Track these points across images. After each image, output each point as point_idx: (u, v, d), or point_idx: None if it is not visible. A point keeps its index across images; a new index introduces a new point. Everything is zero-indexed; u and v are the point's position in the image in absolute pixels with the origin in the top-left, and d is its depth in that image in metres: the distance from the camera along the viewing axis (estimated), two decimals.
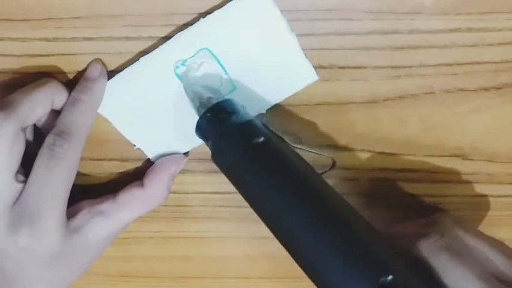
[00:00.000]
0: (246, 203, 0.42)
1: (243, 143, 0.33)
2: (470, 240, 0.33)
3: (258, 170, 0.33)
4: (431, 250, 0.32)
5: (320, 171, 0.35)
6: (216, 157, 0.35)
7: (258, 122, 0.35)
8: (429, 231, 0.34)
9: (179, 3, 0.35)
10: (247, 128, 0.34)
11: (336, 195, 0.33)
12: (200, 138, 0.36)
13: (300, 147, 0.35)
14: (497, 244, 0.34)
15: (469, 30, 0.35)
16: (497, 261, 0.32)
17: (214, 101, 0.35)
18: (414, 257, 0.32)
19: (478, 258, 0.33)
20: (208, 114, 0.35)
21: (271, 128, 0.35)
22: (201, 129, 0.36)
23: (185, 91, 0.37)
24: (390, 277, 0.29)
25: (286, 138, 0.35)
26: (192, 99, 0.36)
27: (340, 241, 0.30)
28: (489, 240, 0.34)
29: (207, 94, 0.36)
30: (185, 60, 0.36)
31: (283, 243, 0.32)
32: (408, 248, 0.33)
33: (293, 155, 0.34)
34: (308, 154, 0.35)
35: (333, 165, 0.37)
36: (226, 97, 0.36)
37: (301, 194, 0.32)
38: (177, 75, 0.36)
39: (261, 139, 0.33)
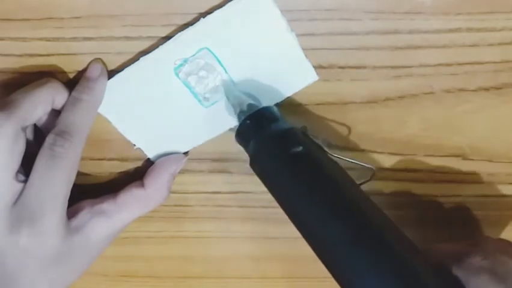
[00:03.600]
0: (247, 203, 0.42)
1: (281, 151, 0.33)
2: None
3: (295, 180, 0.33)
4: (473, 269, 0.31)
5: (360, 181, 0.35)
6: (254, 163, 0.35)
7: (298, 131, 0.35)
8: (472, 251, 0.33)
9: (179, 3, 0.35)
10: (286, 136, 0.34)
11: (375, 209, 0.32)
12: (239, 143, 0.36)
13: (340, 156, 0.35)
14: None
15: (469, 30, 0.35)
16: None
17: (255, 108, 0.35)
18: (455, 276, 0.31)
19: None
20: (248, 121, 0.35)
21: (311, 137, 0.35)
22: (241, 135, 0.36)
23: (227, 97, 0.37)
24: None
25: (325, 148, 0.35)
26: (233, 105, 0.36)
27: (375, 259, 0.30)
28: None
29: (248, 101, 0.36)
30: (185, 60, 0.36)
31: (318, 255, 0.32)
32: (449, 266, 0.32)
33: (332, 166, 0.34)
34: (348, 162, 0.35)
35: (373, 175, 0.36)
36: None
37: (337, 207, 0.31)
38: (177, 75, 0.36)
39: (300, 148, 0.33)
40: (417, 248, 0.31)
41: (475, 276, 0.31)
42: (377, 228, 0.31)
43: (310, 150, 0.33)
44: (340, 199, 0.32)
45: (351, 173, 0.34)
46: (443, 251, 0.34)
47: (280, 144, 0.34)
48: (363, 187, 0.34)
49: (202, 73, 0.36)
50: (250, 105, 0.36)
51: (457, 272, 0.31)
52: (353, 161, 0.36)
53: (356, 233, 0.31)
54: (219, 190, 0.42)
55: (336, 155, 0.35)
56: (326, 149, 0.35)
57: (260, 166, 0.35)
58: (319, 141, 0.35)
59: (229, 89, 0.37)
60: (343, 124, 0.39)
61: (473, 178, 0.40)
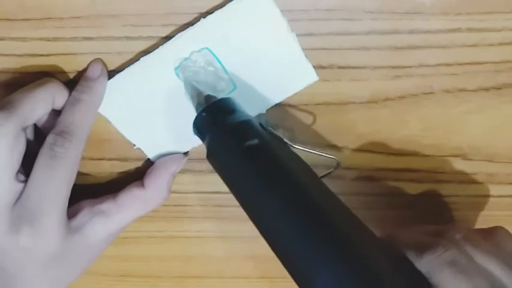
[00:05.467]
0: None
1: (235, 144, 0.33)
2: (479, 258, 0.31)
3: (250, 174, 0.32)
4: (434, 264, 0.30)
5: (324, 173, 0.34)
6: (210, 157, 0.34)
7: (255, 123, 0.34)
8: (435, 242, 0.32)
9: (179, 3, 0.35)
10: (241, 129, 0.33)
11: (333, 202, 0.32)
12: (197, 136, 0.36)
13: (302, 148, 0.34)
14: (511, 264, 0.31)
15: (469, 30, 0.35)
16: (509, 282, 0.30)
17: (213, 100, 0.35)
18: (418, 271, 0.31)
19: (485, 276, 0.30)
20: (204, 114, 0.34)
21: (270, 129, 0.34)
22: (197, 128, 0.35)
23: (185, 88, 0.36)
24: None
25: (286, 140, 0.34)
26: (192, 97, 0.36)
27: (328, 255, 0.29)
28: (502, 258, 0.31)
29: (205, 92, 0.35)
30: (186, 60, 0.36)
31: (273, 250, 0.31)
32: (412, 260, 0.31)
33: (291, 158, 0.33)
34: (313, 154, 0.35)
35: (337, 166, 0.36)
36: (226, 96, 0.36)
37: (291, 201, 0.30)
38: (177, 74, 0.36)
39: (255, 141, 0.32)
40: (380, 243, 0.30)
41: (438, 271, 0.30)
42: (333, 222, 0.30)
43: (266, 143, 0.32)
44: (295, 192, 0.31)
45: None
46: (404, 241, 0.33)
47: (235, 137, 0.33)
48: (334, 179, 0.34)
49: (203, 73, 0.36)
50: (207, 97, 0.35)
51: (420, 266, 0.31)
52: (315, 152, 0.35)
53: (310, 227, 0.30)
54: (218, 190, 0.42)
55: (298, 146, 0.34)
56: (286, 140, 0.34)
57: (216, 160, 0.34)
58: (279, 133, 0.34)
59: (188, 81, 0.36)
60: (343, 124, 0.39)
61: (473, 178, 0.40)
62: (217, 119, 0.34)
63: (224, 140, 0.33)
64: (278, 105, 0.38)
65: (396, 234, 0.34)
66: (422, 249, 0.31)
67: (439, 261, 0.31)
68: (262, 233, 0.32)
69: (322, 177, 0.34)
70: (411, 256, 0.31)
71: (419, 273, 0.31)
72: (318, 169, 0.34)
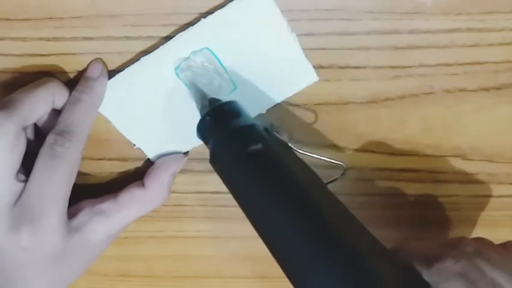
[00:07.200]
0: None
1: (239, 149, 0.32)
2: (490, 271, 0.30)
3: (252, 179, 0.31)
4: (444, 275, 0.30)
5: (328, 176, 0.34)
6: (213, 162, 0.34)
7: (259, 127, 0.33)
8: (445, 253, 0.31)
9: (179, 3, 0.35)
10: (245, 133, 0.33)
11: (338, 208, 0.31)
12: (201, 140, 0.35)
13: (307, 153, 0.34)
14: None
15: (469, 30, 0.35)
16: None
17: (217, 103, 0.34)
18: (425, 281, 0.30)
19: None
20: (208, 117, 0.34)
21: (275, 134, 0.34)
22: (201, 132, 0.35)
23: (190, 91, 0.36)
24: None
25: (292, 144, 0.33)
26: (196, 100, 0.36)
27: (333, 263, 0.28)
28: None
29: (209, 95, 0.35)
30: (186, 60, 0.36)
31: (274, 256, 0.31)
32: (420, 269, 0.30)
33: (295, 164, 0.32)
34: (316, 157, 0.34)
35: (344, 172, 0.35)
36: (228, 98, 0.35)
37: (294, 207, 0.30)
38: (177, 74, 0.36)
39: (259, 146, 0.32)
40: (385, 251, 0.30)
41: (446, 282, 0.30)
42: (338, 230, 0.29)
43: (270, 148, 0.32)
44: (297, 199, 0.30)
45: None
46: (413, 251, 0.32)
47: (238, 142, 0.32)
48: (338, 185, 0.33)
49: (203, 73, 0.36)
50: (212, 100, 0.35)
51: (428, 276, 0.30)
52: (321, 157, 0.34)
53: (314, 235, 0.29)
54: (218, 190, 0.42)
55: (303, 151, 0.33)
56: (291, 145, 0.33)
57: (219, 165, 0.34)
58: (284, 138, 0.33)
59: (193, 84, 0.36)
60: (343, 124, 0.39)
61: (472, 178, 0.40)
62: (220, 122, 0.34)
63: (227, 144, 0.33)
64: (278, 105, 0.38)
65: (404, 245, 0.34)
66: (432, 259, 0.31)
67: (448, 272, 0.30)
68: (264, 239, 0.31)
69: (328, 183, 0.34)
70: (419, 266, 0.30)
71: (425, 283, 0.30)
72: (318, 170, 0.34)
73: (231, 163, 0.33)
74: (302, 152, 0.34)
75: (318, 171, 0.33)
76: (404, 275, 0.30)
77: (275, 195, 0.31)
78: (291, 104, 0.38)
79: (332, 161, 0.35)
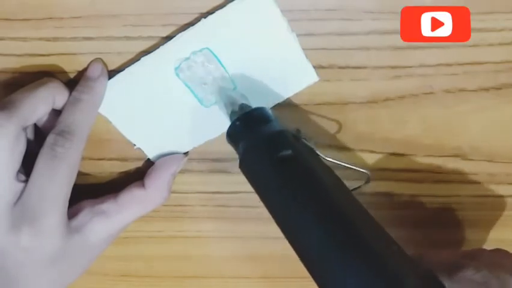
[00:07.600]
0: (247, 203, 0.42)
1: (269, 154, 0.33)
2: (511, 282, 0.31)
3: (282, 185, 0.32)
4: (464, 283, 0.30)
5: (355, 186, 0.34)
6: (243, 166, 0.34)
7: (289, 134, 0.34)
8: (466, 264, 0.32)
9: (179, 3, 0.35)
10: (275, 139, 0.33)
11: (363, 215, 0.31)
12: (230, 145, 0.36)
13: (334, 161, 0.34)
14: None
15: None
16: None
17: (247, 109, 0.35)
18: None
19: None
20: (238, 123, 0.34)
21: (303, 140, 0.34)
22: (231, 137, 0.35)
23: (219, 96, 0.36)
24: None
25: (318, 152, 0.34)
26: (225, 105, 0.36)
27: (358, 268, 0.28)
28: None
29: (240, 101, 0.35)
30: (186, 60, 0.36)
31: (302, 261, 0.31)
32: (440, 277, 0.31)
33: (323, 171, 0.33)
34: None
35: (368, 180, 0.35)
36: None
37: (323, 214, 0.30)
38: (178, 75, 0.36)
39: (289, 152, 0.32)
40: (407, 257, 0.30)
41: None
42: (364, 235, 0.30)
43: (299, 154, 0.32)
44: (326, 205, 0.31)
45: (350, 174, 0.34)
46: (435, 260, 0.33)
47: (268, 147, 0.33)
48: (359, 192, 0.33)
49: (203, 73, 0.36)
50: (242, 106, 0.35)
51: (449, 285, 0.30)
52: (347, 165, 0.35)
53: (341, 240, 0.29)
54: (218, 190, 0.42)
55: (330, 158, 0.34)
56: (319, 152, 0.34)
57: (248, 169, 0.34)
58: (312, 145, 0.34)
59: (223, 88, 0.36)
60: (343, 124, 0.39)
61: (472, 178, 0.40)
62: (251, 128, 0.34)
63: (257, 149, 0.33)
64: (278, 106, 0.38)
65: (427, 254, 0.34)
66: (454, 269, 0.31)
67: (470, 282, 0.31)
68: (292, 243, 0.32)
69: (353, 190, 0.34)
70: (441, 276, 0.31)
71: None
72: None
73: (261, 168, 0.33)
74: (328, 160, 0.34)
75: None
76: (428, 282, 0.30)
77: (305, 200, 0.31)
78: (291, 104, 0.38)
79: (357, 169, 0.35)
